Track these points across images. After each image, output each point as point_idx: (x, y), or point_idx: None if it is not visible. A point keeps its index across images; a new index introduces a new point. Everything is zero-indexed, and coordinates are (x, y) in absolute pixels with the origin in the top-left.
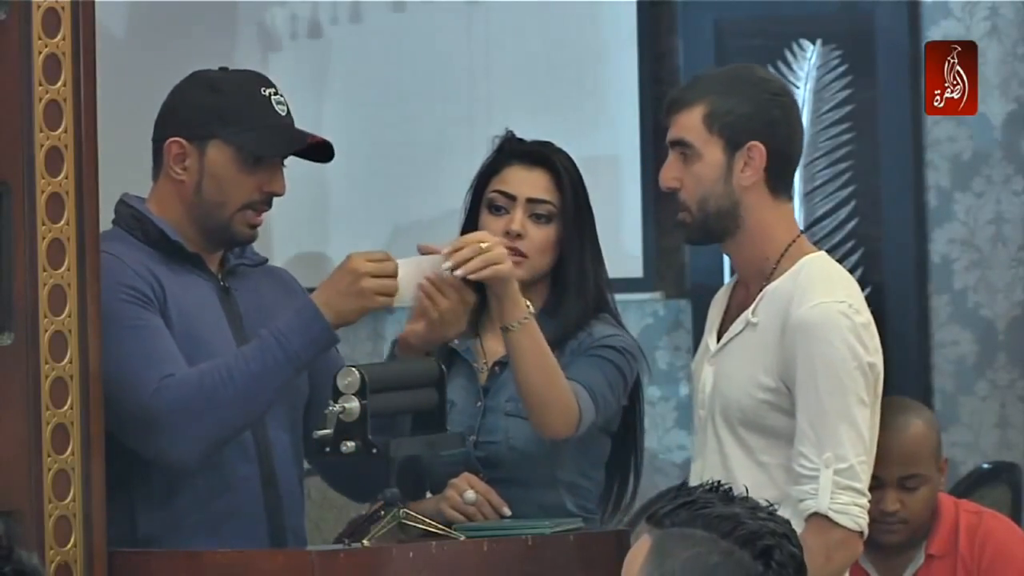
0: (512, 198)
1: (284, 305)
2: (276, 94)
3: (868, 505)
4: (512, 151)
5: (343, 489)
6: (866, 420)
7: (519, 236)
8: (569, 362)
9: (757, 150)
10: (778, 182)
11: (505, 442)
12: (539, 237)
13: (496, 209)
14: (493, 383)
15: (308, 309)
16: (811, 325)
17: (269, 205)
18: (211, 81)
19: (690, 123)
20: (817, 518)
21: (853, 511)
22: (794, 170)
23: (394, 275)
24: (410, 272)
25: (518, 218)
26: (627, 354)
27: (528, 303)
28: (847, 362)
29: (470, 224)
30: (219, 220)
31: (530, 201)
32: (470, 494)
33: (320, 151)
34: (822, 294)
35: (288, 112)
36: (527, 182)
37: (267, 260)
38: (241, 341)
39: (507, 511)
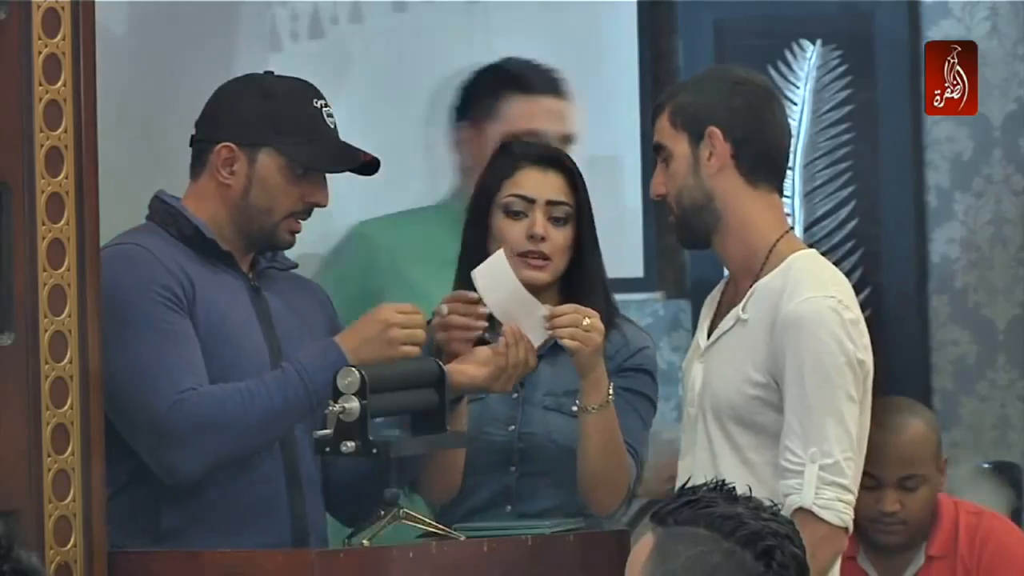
0: (531, 201)
1: (318, 317)
2: (326, 106)
3: (854, 501)
4: (523, 154)
5: (334, 511)
6: (854, 416)
7: (542, 239)
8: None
9: (714, 135)
10: (753, 171)
11: (546, 435)
12: (559, 239)
13: (515, 213)
14: (530, 375)
15: (333, 350)
16: (800, 320)
17: (309, 214)
18: (264, 88)
19: (661, 125)
20: (802, 513)
21: (838, 507)
22: (773, 159)
23: (422, 326)
24: (510, 292)
25: (540, 221)
26: (656, 375)
27: (610, 387)
28: (835, 357)
29: (479, 229)
30: (264, 226)
31: (549, 203)
32: (443, 307)
33: (365, 165)
34: (811, 290)
35: (335, 126)
36: (544, 184)
37: (297, 265)
38: (271, 341)
39: (476, 297)
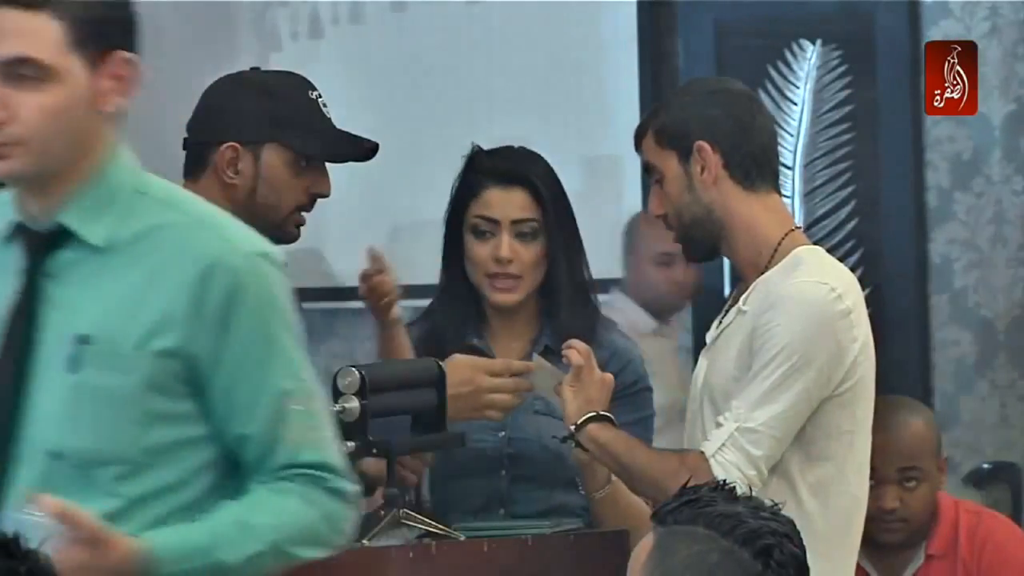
0: (496, 222)
1: None
2: (320, 96)
3: (757, 483)
4: (487, 171)
5: None
6: (799, 411)
7: (509, 261)
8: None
9: (702, 149)
10: (747, 175)
11: (537, 440)
12: (528, 256)
13: (481, 233)
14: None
15: None
16: (785, 297)
17: (313, 206)
18: (260, 84)
19: (647, 146)
20: (698, 455)
21: (734, 474)
22: (763, 160)
23: (510, 390)
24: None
25: (505, 243)
26: (647, 379)
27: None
28: (810, 344)
29: (454, 246)
30: (272, 222)
31: (514, 222)
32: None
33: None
34: (806, 275)
35: (330, 116)
36: (508, 203)
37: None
38: None
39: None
